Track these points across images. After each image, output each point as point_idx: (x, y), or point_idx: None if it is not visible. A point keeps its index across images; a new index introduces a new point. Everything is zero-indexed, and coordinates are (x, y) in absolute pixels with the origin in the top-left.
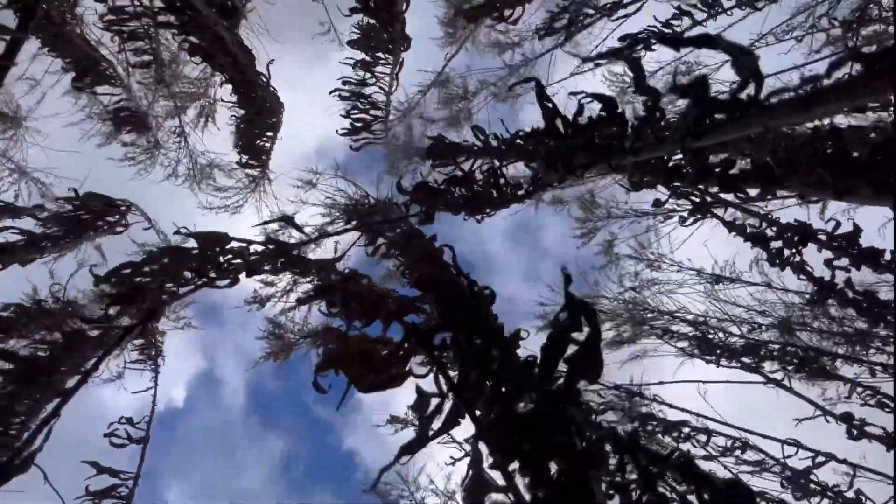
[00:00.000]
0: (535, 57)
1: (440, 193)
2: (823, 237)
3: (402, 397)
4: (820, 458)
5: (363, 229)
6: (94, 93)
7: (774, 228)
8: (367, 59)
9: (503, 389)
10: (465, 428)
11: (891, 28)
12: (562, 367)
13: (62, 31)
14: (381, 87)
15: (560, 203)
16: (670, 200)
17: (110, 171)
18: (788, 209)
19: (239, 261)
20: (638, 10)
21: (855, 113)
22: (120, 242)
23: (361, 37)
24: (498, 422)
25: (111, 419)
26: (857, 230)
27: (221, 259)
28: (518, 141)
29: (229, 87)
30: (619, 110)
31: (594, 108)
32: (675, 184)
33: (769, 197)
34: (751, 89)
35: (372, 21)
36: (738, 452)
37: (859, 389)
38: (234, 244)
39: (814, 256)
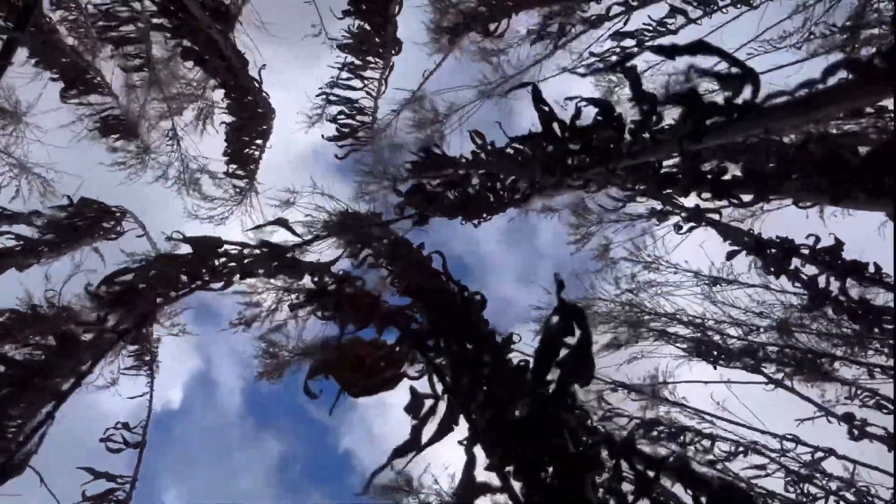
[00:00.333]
0: (528, 66)
1: (435, 197)
2: (806, 252)
3: (396, 399)
4: (819, 454)
5: (349, 239)
6: (83, 103)
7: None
8: (357, 62)
9: (496, 394)
10: (462, 431)
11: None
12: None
13: (50, 40)
14: (368, 92)
15: (550, 211)
16: (660, 210)
17: (107, 172)
18: (787, 208)
19: (233, 264)
20: (625, 23)
21: (851, 119)
22: (109, 251)
23: (353, 40)
24: (492, 425)
25: (108, 422)
26: (839, 244)
27: (216, 262)
28: (510, 150)
29: (222, 91)
30: (616, 113)
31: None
32: (667, 191)
33: (763, 201)
34: (748, 93)
35: (364, 24)
36: (741, 456)
37: (858, 391)
38: (228, 247)
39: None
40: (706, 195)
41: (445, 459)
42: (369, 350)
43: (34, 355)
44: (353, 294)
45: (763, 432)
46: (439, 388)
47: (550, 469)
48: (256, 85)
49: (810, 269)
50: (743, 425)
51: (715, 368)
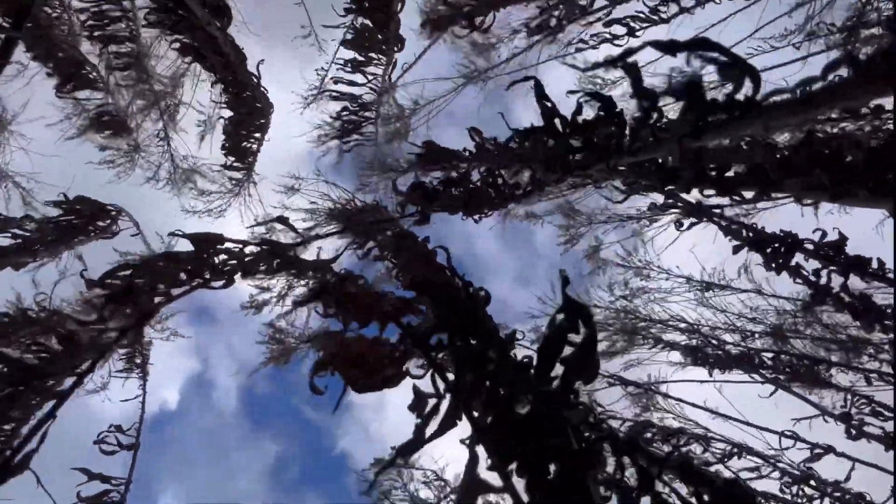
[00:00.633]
0: (509, 58)
1: (436, 194)
2: (810, 246)
3: (396, 399)
4: (818, 451)
5: (353, 232)
6: (78, 99)
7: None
8: (360, 58)
9: (500, 391)
10: (463, 428)
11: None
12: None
13: (48, 35)
14: (372, 88)
15: (534, 217)
16: (661, 204)
17: (90, 177)
18: (786, 205)
19: (234, 262)
20: (608, 14)
21: (848, 119)
22: (103, 250)
23: (355, 37)
24: (495, 423)
25: (102, 424)
26: (842, 238)
27: (216, 260)
28: (513, 144)
29: (220, 87)
30: (617, 110)
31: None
32: (670, 187)
33: (765, 198)
34: (748, 90)
35: (366, 21)
36: (735, 458)
37: (855, 398)
38: (228, 245)
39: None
40: (709, 191)
41: (444, 456)
42: (371, 348)
43: (31, 355)
44: (355, 292)
45: (762, 429)
46: (441, 387)
47: (553, 467)
48: (255, 80)
49: (810, 267)
50: (742, 422)
51: (710, 375)
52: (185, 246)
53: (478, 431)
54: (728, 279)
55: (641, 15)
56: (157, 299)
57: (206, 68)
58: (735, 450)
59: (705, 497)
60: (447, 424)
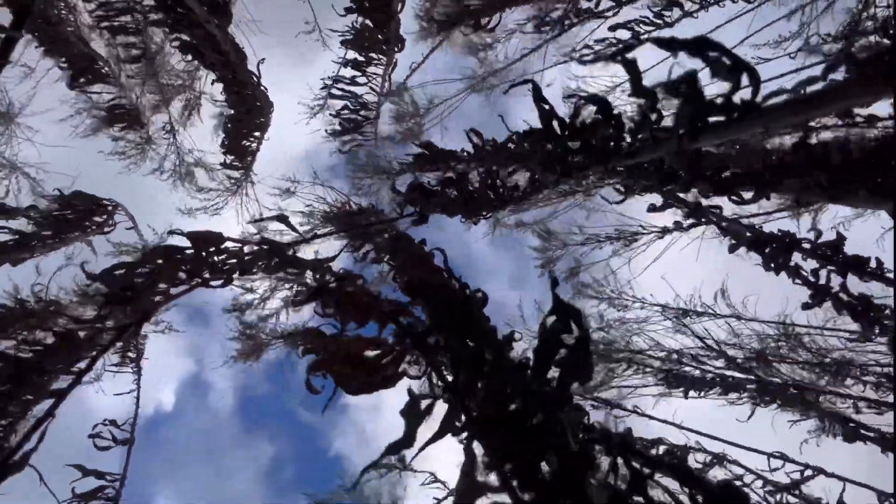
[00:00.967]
0: (516, 60)
1: (435, 195)
2: (808, 246)
3: (389, 402)
4: (808, 472)
5: (350, 234)
6: (89, 92)
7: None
8: (360, 58)
9: (496, 392)
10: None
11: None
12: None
13: (59, 31)
14: (372, 88)
15: (523, 226)
16: (660, 205)
17: (99, 168)
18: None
19: (234, 261)
20: (615, 14)
21: (843, 126)
22: (97, 243)
23: (355, 36)
24: (491, 423)
25: (97, 420)
26: (840, 238)
27: (216, 259)
28: (511, 145)
29: (219, 85)
30: (616, 112)
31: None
32: (669, 188)
33: (764, 198)
34: (747, 91)
35: (367, 21)
36: (717, 468)
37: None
38: (228, 244)
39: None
40: (707, 192)
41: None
42: (369, 347)
43: (25, 350)
44: (354, 292)
45: (750, 450)
46: (438, 387)
47: (549, 468)
48: (255, 79)
49: (809, 268)
50: (730, 443)
51: (686, 397)
52: (177, 242)
53: (474, 431)
54: (705, 305)
55: (646, 19)
56: (156, 298)
57: (205, 66)
58: (715, 460)
59: (699, 498)
60: (445, 428)
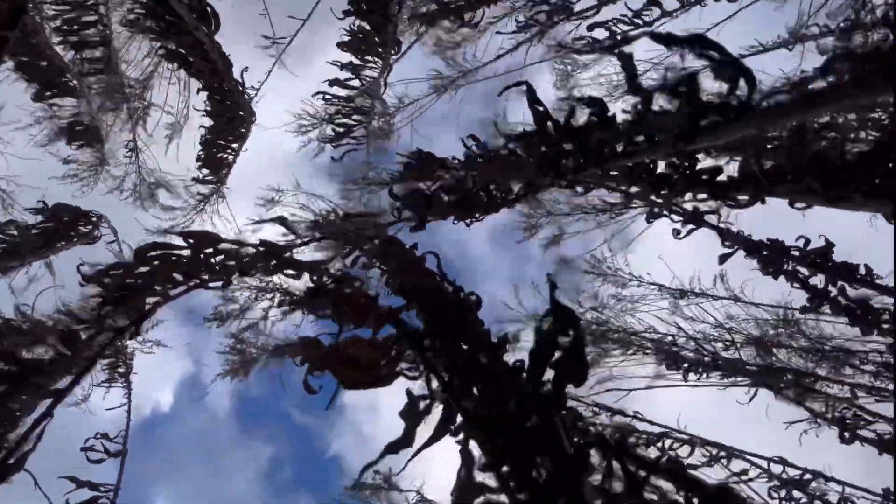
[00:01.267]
0: (490, 60)
1: (432, 199)
2: (797, 253)
3: (387, 403)
4: (807, 476)
5: (337, 243)
6: (54, 105)
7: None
8: (356, 62)
9: (491, 394)
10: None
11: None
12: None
13: (31, 41)
14: (367, 92)
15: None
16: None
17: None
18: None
19: (231, 262)
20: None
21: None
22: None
23: (351, 39)
24: (488, 425)
25: (91, 430)
26: (828, 245)
27: (214, 260)
28: (505, 151)
29: (204, 94)
30: (610, 114)
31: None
32: (664, 192)
33: (759, 202)
34: (743, 92)
35: (364, 24)
36: (723, 462)
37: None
38: (225, 245)
39: None
40: (702, 196)
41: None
42: (365, 349)
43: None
44: (351, 293)
45: (750, 454)
46: (435, 388)
47: (545, 469)
48: (240, 88)
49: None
50: (723, 447)
51: (685, 379)
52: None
53: (470, 432)
54: (703, 287)
55: (625, 19)
56: (153, 299)
57: (191, 74)
58: (722, 453)
59: (695, 501)
60: (442, 430)
